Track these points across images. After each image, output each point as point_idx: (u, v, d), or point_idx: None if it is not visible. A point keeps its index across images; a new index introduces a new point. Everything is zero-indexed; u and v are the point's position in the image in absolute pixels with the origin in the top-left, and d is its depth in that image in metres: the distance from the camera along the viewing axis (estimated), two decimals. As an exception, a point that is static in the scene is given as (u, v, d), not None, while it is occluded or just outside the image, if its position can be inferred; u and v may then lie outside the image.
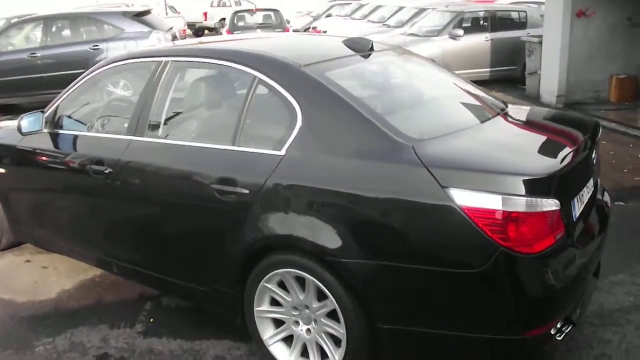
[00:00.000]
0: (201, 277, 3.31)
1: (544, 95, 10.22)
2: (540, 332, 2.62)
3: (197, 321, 3.67)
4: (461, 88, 3.57)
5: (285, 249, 2.89)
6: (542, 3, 12.04)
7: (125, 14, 9.96)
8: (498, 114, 3.28)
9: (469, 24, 11.66)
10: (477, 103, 3.43)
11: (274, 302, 3.06)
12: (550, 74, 10.11)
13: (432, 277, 2.57)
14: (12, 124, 4.75)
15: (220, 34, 14.27)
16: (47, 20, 9.92)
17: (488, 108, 3.37)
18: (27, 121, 3.87)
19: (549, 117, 3.67)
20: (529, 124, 3.44)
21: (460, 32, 11.23)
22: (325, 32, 16.76)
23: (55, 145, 3.94)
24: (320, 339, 2.95)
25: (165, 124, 3.46)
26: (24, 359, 3.39)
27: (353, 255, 2.67)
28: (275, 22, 13.73)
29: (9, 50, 9.96)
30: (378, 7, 17.67)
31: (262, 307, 3.07)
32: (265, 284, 2.99)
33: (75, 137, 3.90)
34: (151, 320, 3.72)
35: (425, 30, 11.91)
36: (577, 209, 2.86)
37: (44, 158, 4.00)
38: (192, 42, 3.91)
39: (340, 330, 2.82)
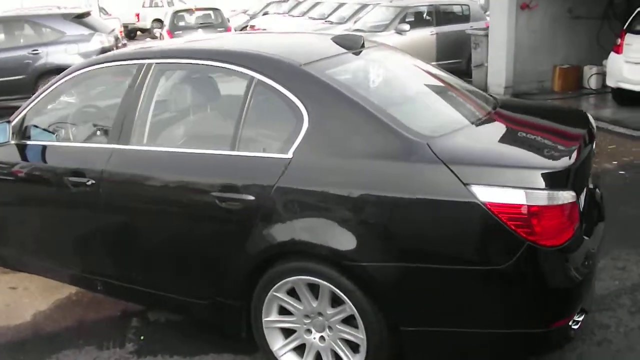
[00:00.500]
0: (200, 290, 3.14)
1: (492, 86, 10.43)
2: (563, 324, 2.62)
3: (191, 335, 3.50)
4: (453, 84, 3.54)
5: (298, 255, 2.78)
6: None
7: (65, 17, 9.49)
8: (495, 109, 3.27)
9: (414, 19, 11.77)
10: (473, 98, 3.41)
11: (283, 311, 2.94)
12: (497, 66, 10.34)
13: (456, 276, 2.53)
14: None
15: (156, 36, 13.77)
16: (-22, 25, 9.36)
17: (484, 103, 3.35)
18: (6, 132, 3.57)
19: (544, 110, 3.70)
20: (529, 118, 3.45)
21: (407, 27, 11.33)
22: (264, 30, 16.67)
23: (25, 157, 3.66)
24: (336, 346, 2.85)
25: (152, 130, 3.27)
26: (8, 390, 3.15)
27: (372, 258, 2.60)
28: (216, 22, 13.45)
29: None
30: (317, 3, 17.60)
31: (271, 317, 2.95)
32: (275, 293, 2.87)
33: (48, 148, 3.63)
34: (142, 338, 3.52)
35: (370, 26, 11.94)
36: (583, 200, 2.88)
37: (11, 171, 3.71)
38: (175, 43, 3.70)
39: (359, 336, 2.74)
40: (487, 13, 12.96)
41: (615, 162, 6.49)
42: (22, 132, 3.70)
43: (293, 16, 17.50)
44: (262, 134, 3.01)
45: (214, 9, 13.72)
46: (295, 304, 2.87)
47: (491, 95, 3.60)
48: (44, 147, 3.64)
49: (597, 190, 3.49)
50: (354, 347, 2.81)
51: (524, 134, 3.04)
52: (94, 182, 3.27)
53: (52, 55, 9.23)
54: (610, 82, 9.17)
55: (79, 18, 9.60)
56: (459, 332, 2.60)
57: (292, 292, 2.87)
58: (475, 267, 2.51)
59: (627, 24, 9.01)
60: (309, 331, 2.91)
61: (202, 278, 3.10)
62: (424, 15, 11.88)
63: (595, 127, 3.31)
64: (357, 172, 2.65)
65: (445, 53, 11.71)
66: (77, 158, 3.42)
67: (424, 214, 2.54)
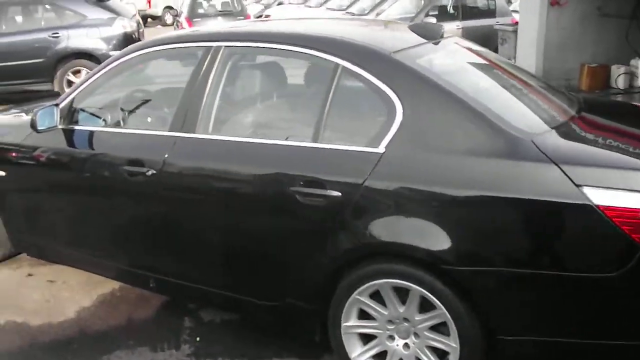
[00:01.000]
0: (269, 290, 2.93)
1: (519, 83, 10.19)
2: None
3: (251, 337, 3.28)
4: (535, 82, 3.32)
5: (388, 257, 2.58)
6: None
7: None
8: (580, 107, 3.07)
9: (440, 12, 11.54)
10: (559, 96, 3.20)
11: (363, 316, 2.73)
12: (525, 63, 10.07)
13: (563, 282, 2.33)
14: (5, 118, 4.21)
15: (168, 23, 13.47)
16: (-2, 5, 9.10)
17: (568, 102, 3.15)
18: (42, 116, 3.33)
19: (628, 109, 3.49)
20: (620, 118, 3.23)
21: (433, 20, 11.08)
22: (267, 16, 16.41)
23: (73, 143, 3.43)
24: (422, 354, 2.65)
25: (221, 118, 3.05)
26: (60, 393, 2.93)
27: (472, 262, 2.41)
28: (235, 10, 13.19)
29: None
30: (334, -6, 17.34)
31: (351, 322, 2.74)
32: (358, 297, 2.67)
33: (99, 134, 3.40)
34: (197, 339, 3.30)
35: (395, 18, 11.68)
36: None
37: (58, 158, 3.49)
38: (245, 25, 3.46)
39: (450, 344, 2.54)
40: (512, 7, 12.75)
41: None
42: (70, 116, 3.47)
43: (310, 7, 17.23)
44: (348, 125, 2.79)
45: (232, -3, 13.48)
46: (379, 309, 2.67)
47: (572, 94, 3.39)
48: (95, 133, 3.40)
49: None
50: (440, 355, 2.62)
51: (623, 135, 2.84)
52: (154, 172, 3.04)
53: (73, 39, 8.96)
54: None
55: (101, 1, 9.33)
56: (563, 342, 2.41)
57: (374, 296, 2.67)
58: (585, 274, 2.32)
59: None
60: (391, 337, 2.71)
61: (273, 278, 2.89)
62: (450, 9, 11.63)
63: None
64: (457, 169, 2.45)
65: (470, 48, 11.45)
66: (134, 146, 3.19)
67: (530, 216, 2.36)
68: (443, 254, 2.43)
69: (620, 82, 10.31)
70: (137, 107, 3.53)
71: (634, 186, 2.26)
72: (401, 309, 2.62)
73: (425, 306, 2.56)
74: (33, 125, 3.32)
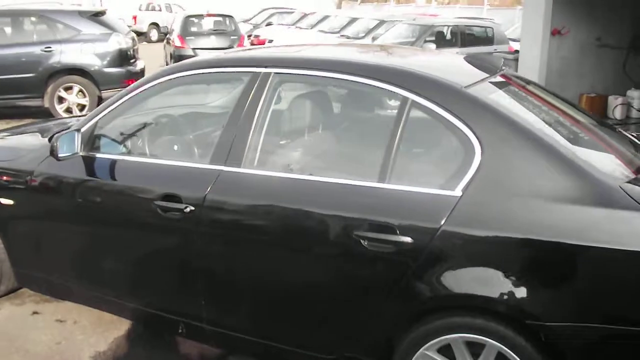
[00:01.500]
0: (323, 342, 2.66)
1: (519, 112, 10.11)
2: None
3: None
4: (598, 124, 3.11)
5: (465, 310, 2.34)
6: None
7: (81, 14, 8.85)
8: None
9: (439, 38, 11.45)
10: (620, 137, 3.01)
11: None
12: (526, 91, 10.04)
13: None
14: (17, 140, 3.88)
15: (152, 39, 13.10)
16: (-13, 17, 8.73)
17: (629, 143, 2.97)
18: (63, 143, 3.03)
19: None
20: None
21: (433, 46, 10.99)
22: (271, 41, 16.24)
23: (95, 172, 3.13)
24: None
25: (272, 152, 2.79)
26: None
27: (563, 317, 2.20)
28: (229, 29, 12.96)
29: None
30: (326, 17, 17.30)
31: (416, 379, 2.48)
32: (426, 352, 2.42)
33: (126, 163, 3.12)
34: (230, 391, 3.00)
35: (394, 43, 11.58)
36: None
37: (77, 188, 3.18)
38: (297, 51, 3.19)
39: None
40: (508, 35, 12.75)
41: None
42: (92, 142, 3.17)
43: (301, 28, 17.12)
44: (419, 164, 2.56)
45: (227, 16, 13.22)
46: None
47: (633, 135, 3.20)
48: (121, 163, 3.11)
49: None
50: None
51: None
52: (192, 208, 2.76)
53: (67, 54, 8.60)
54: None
55: (96, 16, 9.01)
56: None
57: (442, 350, 2.43)
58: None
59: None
60: (459, 397, 2.45)
61: (330, 329, 2.62)
62: (449, 35, 11.56)
63: None
64: (542, 216, 2.24)
65: (468, 75, 11.38)
66: (168, 179, 2.90)
67: (627, 268, 2.14)
68: (527, 307, 2.22)
69: (617, 113, 10.31)
70: (170, 136, 3.25)
71: None
72: (473, 365, 2.38)
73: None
74: (53, 152, 3.01)
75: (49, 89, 8.67)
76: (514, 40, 12.56)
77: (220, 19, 13.05)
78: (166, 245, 2.93)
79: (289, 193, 2.63)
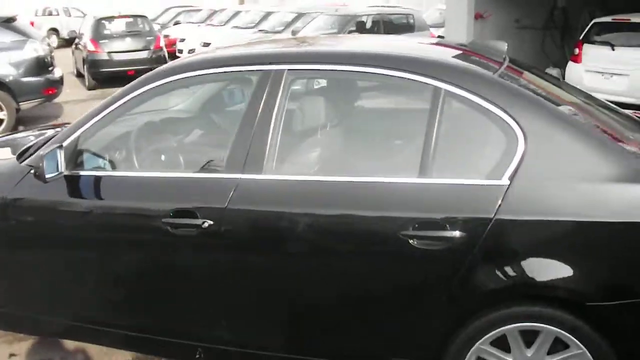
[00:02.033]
0: (370, 350, 2.51)
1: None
2: None
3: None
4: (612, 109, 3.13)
5: (523, 299, 2.29)
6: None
7: (-10, 20, 8.15)
8: None
9: (361, 28, 11.45)
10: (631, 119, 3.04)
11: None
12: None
13: None
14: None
15: (81, 45, 12.22)
16: None
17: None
18: (49, 162, 2.67)
19: None
20: None
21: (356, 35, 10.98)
22: (183, 40, 15.71)
23: (85, 193, 2.79)
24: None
25: (297, 154, 2.59)
26: None
27: (623, 295, 2.20)
28: (143, 29, 12.36)
29: None
30: (237, 12, 16.94)
31: (470, 375, 2.38)
32: (481, 346, 2.35)
33: (121, 180, 2.80)
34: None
35: (317, 35, 11.47)
36: None
37: (65, 213, 2.83)
38: (306, 45, 2.95)
39: None
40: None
41: None
42: (75, 159, 2.82)
43: (213, 25, 16.64)
44: (460, 156, 2.44)
45: (141, 16, 12.59)
46: (502, 356, 2.35)
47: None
48: (116, 180, 2.80)
49: None
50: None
51: None
52: (211, 223, 2.51)
53: (-24, 64, 7.88)
54: (571, 90, 9.33)
55: (7, 22, 8.29)
56: None
57: (495, 342, 2.36)
58: None
59: (583, 34, 9.21)
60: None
61: (377, 336, 2.46)
62: (371, 25, 11.59)
63: None
64: (594, 198, 2.21)
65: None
66: (178, 193, 2.62)
67: None
68: (587, 289, 2.20)
69: (538, 91, 10.76)
70: (169, 145, 2.93)
71: None
72: (528, 353, 2.32)
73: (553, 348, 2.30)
74: (39, 174, 2.65)
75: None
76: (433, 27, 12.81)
77: (133, 20, 12.42)
78: (179, 265, 2.66)
79: (322, 197, 2.44)
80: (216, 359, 2.78)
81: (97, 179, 2.81)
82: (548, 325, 2.26)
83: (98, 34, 11.82)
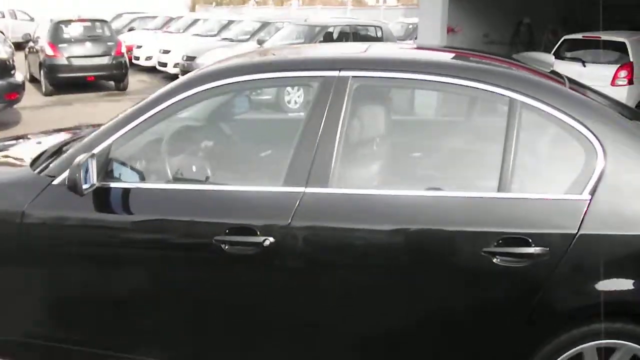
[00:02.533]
0: None
1: (421, 108, 10.37)
2: None
3: None
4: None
5: (604, 316, 2.19)
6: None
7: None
8: None
9: (331, 39, 11.37)
10: None
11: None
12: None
13: None
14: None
15: (37, 49, 11.57)
16: None
17: None
18: (84, 173, 2.39)
19: None
20: None
21: (329, 46, 10.90)
22: (140, 46, 15.28)
23: (121, 208, 2.51)
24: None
25: (367, 167, 2.42)
26: None
27: None
28: (104, 34, 11.85)
29: None
30: (196, 20, 16.61)
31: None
32: None
33: (166, 194, 2.52)
34: None
35: (286, 44, 11.32)
36: None
37: (99, 229, 2.52)
38: (369, 50, 2.76)
39: None
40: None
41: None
42: (105, 169, 2.55)
43: (171, 32, 16.24)
44: (537, 169, 2.34)
45: (101, 21, 12.08)
46: None
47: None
48: (158, 194, 2.52)
49: None
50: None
51: None
52: (272, 240, 2.30)
53: None
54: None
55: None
56: None
57: None
58: None
59: (554, 50, 9.40)
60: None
61: (447, 356, 2.32)
62: (340, 36, 11.53)
63: None
64: None
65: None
66: (233, 208, 2.39)
67: None
68: None
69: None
70: (215, 156, 2.68)
71: None
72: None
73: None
74: (75, 187, 2.37)
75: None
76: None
77: (93, 24, 11.90)
78: (233, 287, 2.42)
79: (396, 212, 2.28)
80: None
81: (135, 192, 2.54)
82: (629, 342, 2.22)
83: (57, 38, 11.26)
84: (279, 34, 11.99)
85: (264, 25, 13.10)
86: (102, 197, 2.50)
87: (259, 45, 12.02)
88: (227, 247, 2.34)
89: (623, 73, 8.62)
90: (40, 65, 11.30)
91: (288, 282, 2.35)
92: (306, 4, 24.44)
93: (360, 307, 2.34)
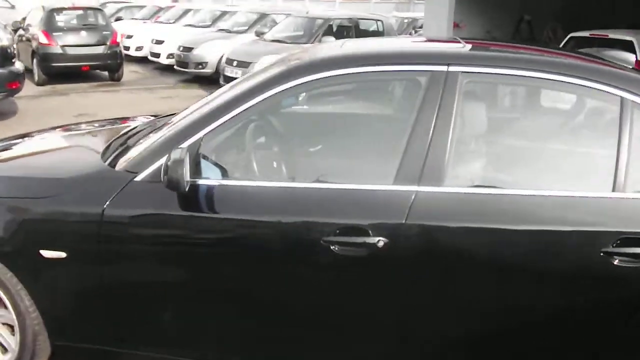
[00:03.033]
0: None
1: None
2: None
3: None
4: None
5: None
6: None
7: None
8: None
9: (334, 31, 11.26)
10: None
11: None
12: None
13: None
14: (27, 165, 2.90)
15: (28, 37, 11.19)
16: None
17: None
18: (185, 165, 2.24)
19: None
20: None
21: (332, 39, 10.75)
22: (130, 36, 14.95)
23: (216, 206, 2.36)
24: None
25: (479, 165, 2.34)
26: None
27: None
28: (100, 23, 11.53)
29: None
30: (188, 10, 16.31)
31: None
32: None
33: (267, 192, 2.39)
34: None
35: (288, 36, 11.18)
36: None
37: (193, 230, 2.39)
38: (471, 46, 2.66)
39: None
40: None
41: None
42: (195, 165, 2.39)
43: (162, 23, 15.93)
44: None
45: (96, 9, 11.76)
46: None
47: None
48: (259, 191, 2.38)
49: None
50: None
51: None
52: (386, 241, 2.20)
53: None
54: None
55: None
56: None
57: None
58: None
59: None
60: None
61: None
62: (344, 28, 11.41)
63: None
64: None
65: (364, 68, 11.35)
66: (342, 207, 2.27)
67: None
68: None
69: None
70: (313, 153, 2.56)
71: None
72: None
73: None
74: (175, 183, 2.22)
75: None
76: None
77: (87, 12, 11.57)
78: (342, 289, 2.31)
79: (513, 212, 2.21)
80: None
81: (230, 189, 2.40)
82: None
83: (51, 26, 10.92)
84: (279, 26, 11.82)
85: (262, 16, 12.89)
86: (195, 195, 2.36)
87: (257, 37, 11.88)
88: (336, 248, 2.22)
89: (631, 72, 8.67)
90: (33, 53, 10.95)
91: (401, 284, 2.26)
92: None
93: (478, 310, 2.26)
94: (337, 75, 2.40)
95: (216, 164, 2.46)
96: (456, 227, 2.22)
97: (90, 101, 10.09)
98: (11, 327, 2.69)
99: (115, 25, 16.31)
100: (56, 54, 10.76)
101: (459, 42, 2.77)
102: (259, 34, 12.03)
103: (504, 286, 2.23)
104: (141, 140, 2.75)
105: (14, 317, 2.61)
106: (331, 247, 2.22)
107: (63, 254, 2.47)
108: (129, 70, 12.74)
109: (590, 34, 9.17)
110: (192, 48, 11.81)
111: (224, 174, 2.46)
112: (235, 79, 10.30)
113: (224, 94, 2.61)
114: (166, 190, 2.28)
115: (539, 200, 2.22)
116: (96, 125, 3.74)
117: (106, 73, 11.89)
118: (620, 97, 2.25)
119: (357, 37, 11.38)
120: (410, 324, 2.30)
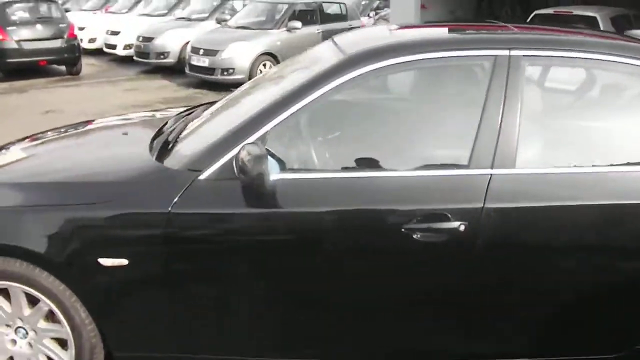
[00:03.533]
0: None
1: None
2: None
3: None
4: None
5: None
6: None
7: None
8: None
9: (299, 17, 11.17)
10: None
11: None
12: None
13: None
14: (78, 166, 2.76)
15: None
16: None
17: None
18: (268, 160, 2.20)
19: None
20: None
21: (299, 24, 10.71)
22: (82, 28, 14.42)
23: (289, 200, 2.31)
24: None
25: (546, 146, 2.39)
26: None
27: None
28: (55, 16, 11.06)
29: None
30: (139, 0, 15.84)
31: None
32: None
33: (341, 183, 2.35)
34: None
35: (253, 22, 11.04)
36: None
37: (269, 227, 2.35)
38: (526, 29, 2.69)
39: None
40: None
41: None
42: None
43: (113, 13, 15.42)
44: None
45: (50, 1, 11.27)
46: None
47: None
48: (333, 183, 2.35)
49: None
50: None
51: None
52: (465, 225, 2.23)
53: None
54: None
55: None
56: None
57: None
58: None
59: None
60: None
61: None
62: (308, 13, 11.34)
63: None
64: None
65: (331, 52, 11.33)
66: (421, 195, 2.28)
67: None
68: None
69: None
70: (383, 141, 2.52)
71: None
72: None
73: None
74: (259, 180, 2.17)
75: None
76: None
77: (40, 4, 11.08)
78: (424, 275, 2.33)
79: (585, 189, 2.28)
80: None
81: (305, 182, 2.36)
82: None
83: (4, 20, 10.43)
84: (242, 12, 11.65)
85: (221, 4, 12.66)
86: (280, 190, 2.29)
87: (218, 25, 11.69)
88: (418, 235, 2.24)
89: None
90: (-15, 49, 10.46)
91: (483, 266, 2.28)
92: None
93: (564, 291, 2.33)
94: (402, 62, 2.40)
95: (282, 157, 2.41)
96: (533, 207, 2.26)
97: (54, 97, 9.73)
98: (62, 341, 2.60)
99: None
100: (12, 49, 10.32)
101: (508, 27, 2.82)
102: (220, 21, 11.84)
103: (586, 262, 2.29)
104: (183, 137, 2.71)
105: (69, 330, 2.50)
106: (412, 235, 2.23)
107: (125, 261, 2.37)
108: (86, 63, 12.32)
109: (555, 11, 9.43)
110: (153, 38, 11.53)
111: (290, 165, 2.42)
112: (202, 67, 10.33)
113: (279, 84, 2.58)
114: (240, 187, 2.24)
115: (610, 177, 2.28)
116: (132, 118, 3.65)
117: (64, 67, 11.46)
118: None
119: (322, 21, 11.35)
120: (493, 305, 2.34)
